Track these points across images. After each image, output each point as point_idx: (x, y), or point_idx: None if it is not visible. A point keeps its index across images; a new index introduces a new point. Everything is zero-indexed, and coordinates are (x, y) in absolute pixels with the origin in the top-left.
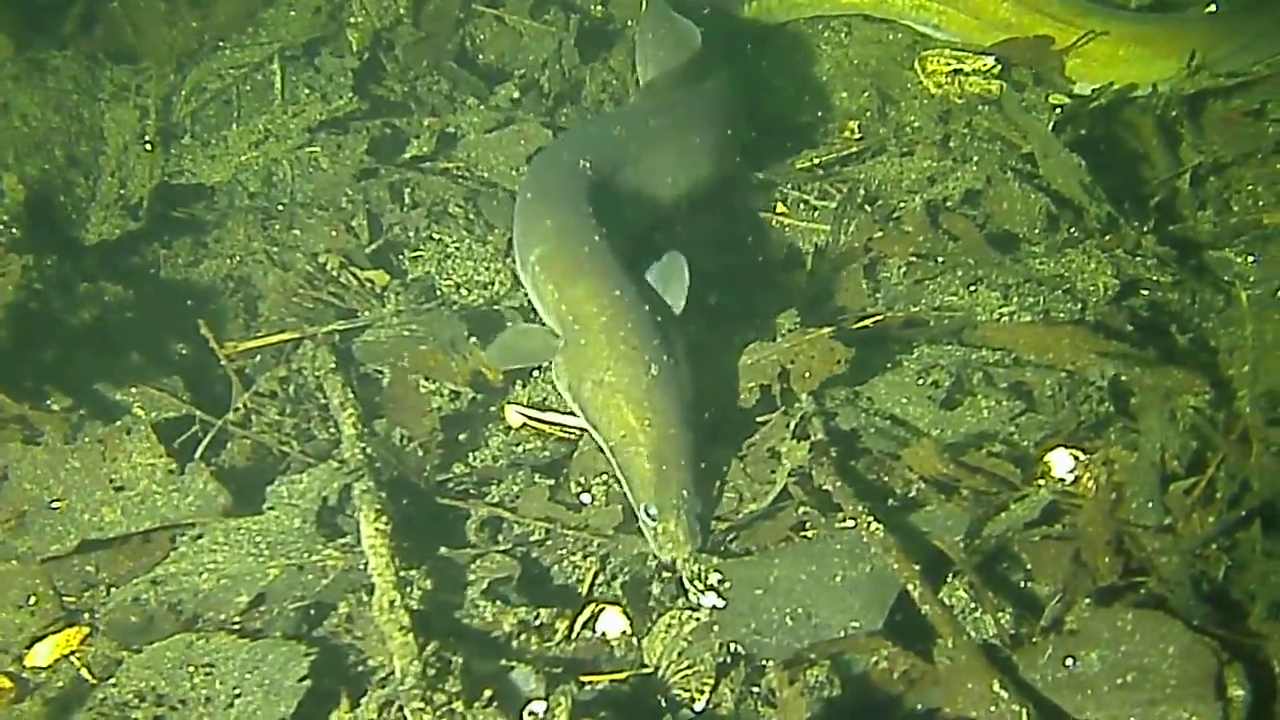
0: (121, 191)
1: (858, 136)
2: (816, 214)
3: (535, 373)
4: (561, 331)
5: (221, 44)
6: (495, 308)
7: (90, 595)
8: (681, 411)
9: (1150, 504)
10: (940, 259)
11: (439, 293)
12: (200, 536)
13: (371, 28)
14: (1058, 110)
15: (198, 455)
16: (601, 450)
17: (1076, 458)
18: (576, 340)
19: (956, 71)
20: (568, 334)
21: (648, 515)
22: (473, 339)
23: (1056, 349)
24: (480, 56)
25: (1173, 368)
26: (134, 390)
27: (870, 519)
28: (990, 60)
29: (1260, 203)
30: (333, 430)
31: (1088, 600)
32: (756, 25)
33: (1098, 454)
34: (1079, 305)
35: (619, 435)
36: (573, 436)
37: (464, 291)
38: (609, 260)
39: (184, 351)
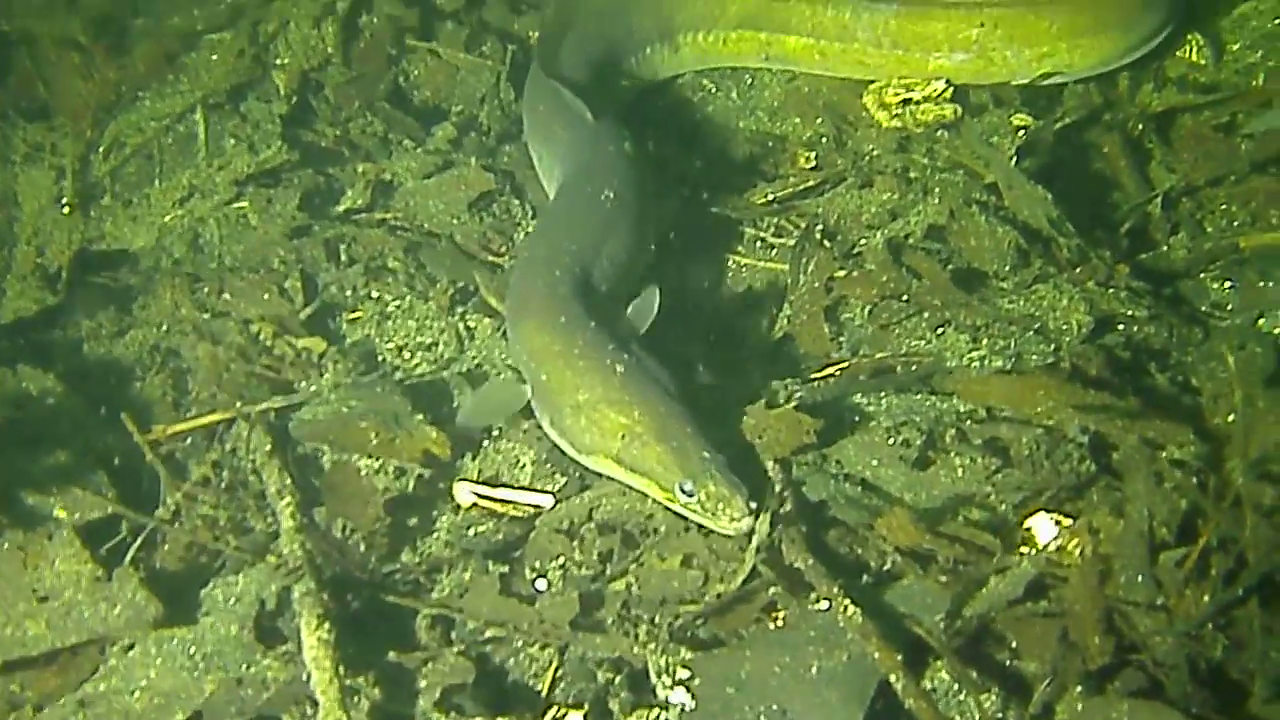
0: (39, 260)
1: (812, 166)
2: (774, 253)
3: (485, 443)
4: (528, 375)
5: (141, 94)
6: (442, 374)
7: (15, 719)
8: (664, 392)
9: (1140, 578)
10: (905, 299)
11: (380, 357)
12: (131, 649)
13: (299, 69)
14: (1021, 133)
15: (127, 560)
16: (613, 479)
17: (1059, 523)
18: (539, 377)
19: (907, 101)
20: (532, 375)
21: (684, 493)
22: (417, 415)
23: (1032, 402)
24: (415, 94)
25: (1154, 417)
26: (56, 490)
27: (846, 601)
28: (940, 84)
29: (1235, 224)
30: (271, 520)
31: (1079, 688)
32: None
33: (1081, 520)
34: (1052, 346)
35: (620, 440)
36: (526, 514)
37: (406, 355)
38: (560, 294)
39: (110, 441)
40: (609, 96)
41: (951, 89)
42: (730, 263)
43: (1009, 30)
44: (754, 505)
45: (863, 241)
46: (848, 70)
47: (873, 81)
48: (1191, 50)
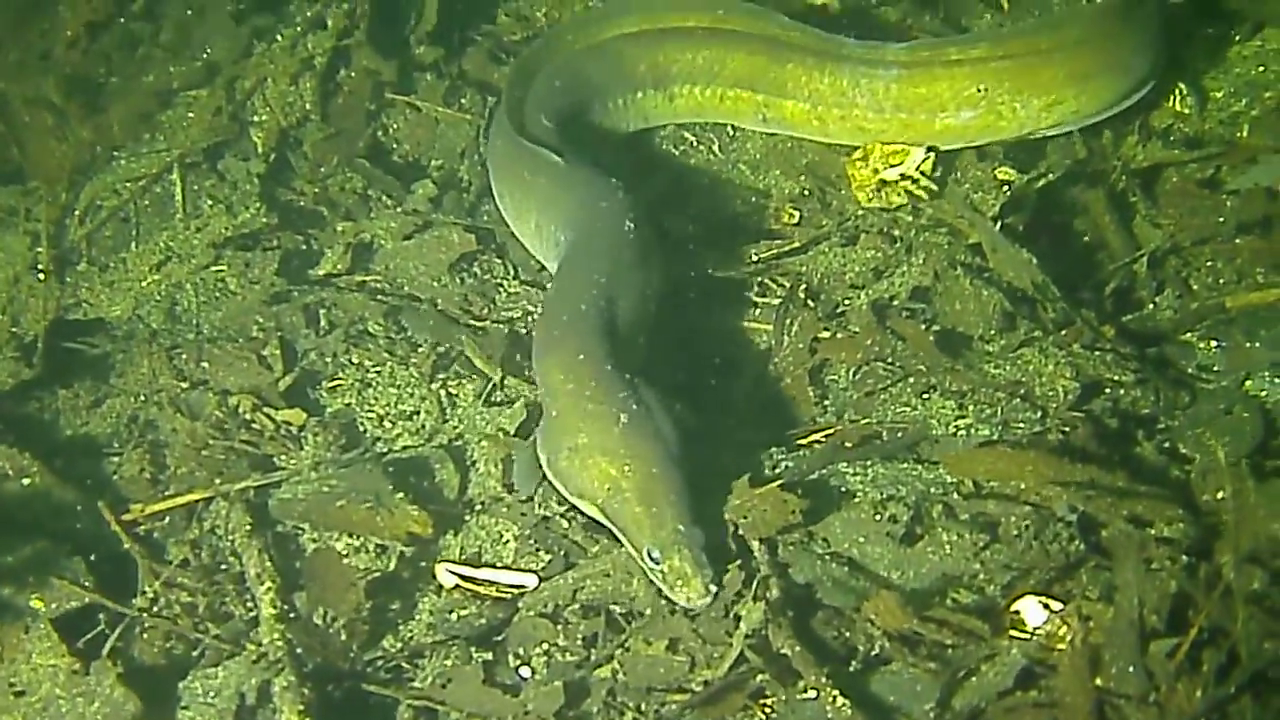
0: (14, 330)
1: (795, 222)
2: (757, 312)
3: (468, 519)
4: (543, 409)
5: (116, 154)
6: (421, 449)
7: None
8: (662, 451)
9: (1131, 669)
10: (890, 363)
11: (360, 428)
12: None
13: (277, 126)
14: (1005, 189)
15: (104, 653)
16: (599, 522)
17: (1048, 607)
18: (550, 413)
19: (883, 183)
20: (545, 409)
21: (651, 560)
22: (398, 493)
23: (1019, 477)
24: (395, 148)
25: (1142, 493)
26: (33, 580)
27: (834, 692)
28: (920, 155)
29: (1222, 282)
30: (250, 605)
31: None
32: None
33: (1071, 605)
34: (1039, 414)
35: (605, 491)
36: (510, 595)
37: (387, 425)
38: (583, 331)
39: (87, 523)
40: (586, 139)
41: (932, 160)
42: (714, 321)
43: (1016, 82)
44: (714, 588)
45: (847, 302)
46: (849, 137)
47: (855, 151)
48: (1176, 99)
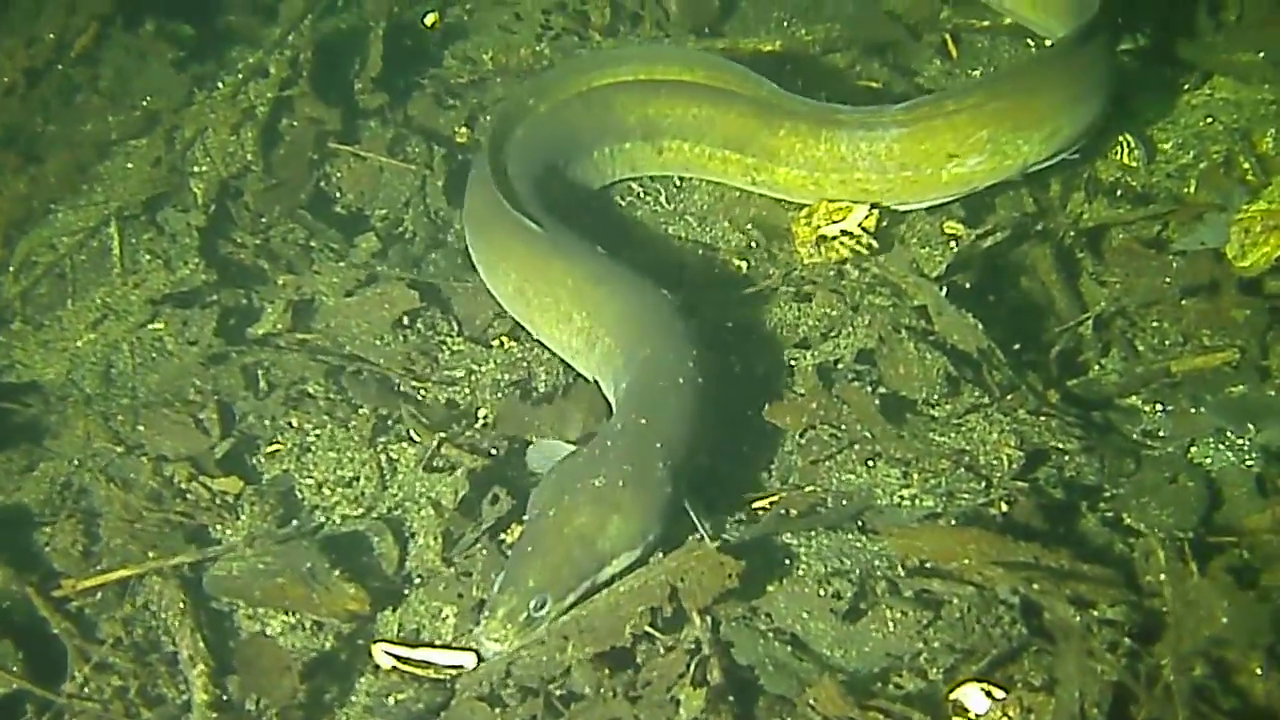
0: None
1: (743, 275)
2: None
3: (407, 592)
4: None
5: (53, 207)
6: (360, 525)
7: None
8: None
9: None
10: (836, 428)
11: (299, 495)
12: None
13: (218, 177)
14: (953, 244)
15: None
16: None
17: (990, 695)
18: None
19: (822, 239)
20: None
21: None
22: (334, 570)
23: (962, 555)
24: (339, 197)
25: (1085, 573)
26: None
27: None
28: (861, 213)
29: (1168, 344)
30: (183, 688)
31: None
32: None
33: (1012, 694)
34: (983, 484)
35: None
36: (446, 677)
37: (325, 492)
38: None
39: (16, 601)
40: (563, 193)
41: (875, 217)
42: None
43: (1017, 119)
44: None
45: (793, 362)
46: (851, 198)
47: (802, 208)
48: (1124, 150)
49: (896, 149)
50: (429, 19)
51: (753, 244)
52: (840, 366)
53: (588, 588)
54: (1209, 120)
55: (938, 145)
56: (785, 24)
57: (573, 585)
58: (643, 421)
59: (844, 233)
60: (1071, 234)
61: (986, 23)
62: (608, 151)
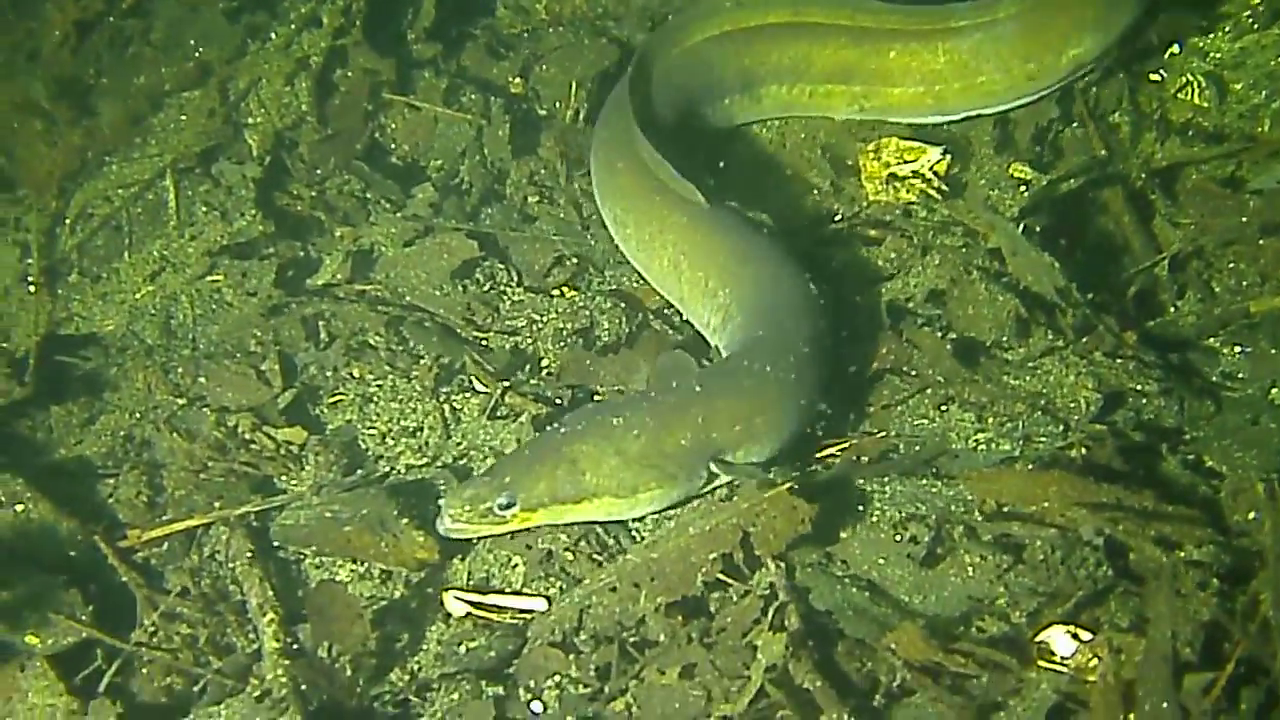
0: (3, 345)
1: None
2: None
3: (476, 543)
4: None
5: (108, 160)
6: (426, 472)
7: None
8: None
9: (1165, 705)
10: (907, 373)
11: (363, 445)
12: None
13: (272, 128)
14: (1023, 189)
15: (102, 690)
16: None
17: (1077, 637)
18: None
19: (893, 177)
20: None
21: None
22: (403, 519)
23: (1043, 498)
24: (394, 149)
25: (1170, 513)
26: (28, 615)
27: None
28: (935, 155)
29: (1245, 283)
30: (252, 636)
31: None
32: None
33: (1100, 636)
34: (1060, 427)
35: None
36: (521, 621)
37: (390, 443)
38: None
39: (83, 552)
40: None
41: (946, 161)
42: None
43: None
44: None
45: (859, 299)
46: (971, 105)
47: (868, 143)
48: (1194, 91)
49: (1020, 43)
50: None
51: (824, 181)
52: (911, 305)
53: (559, 511)
54: (1279, 60)
55: (1057, 29)
56: None
57: (544, 500)
58: (697, 389)
59: (915, 174)
60: (1144, 175)
61: None
62: (714, 109)
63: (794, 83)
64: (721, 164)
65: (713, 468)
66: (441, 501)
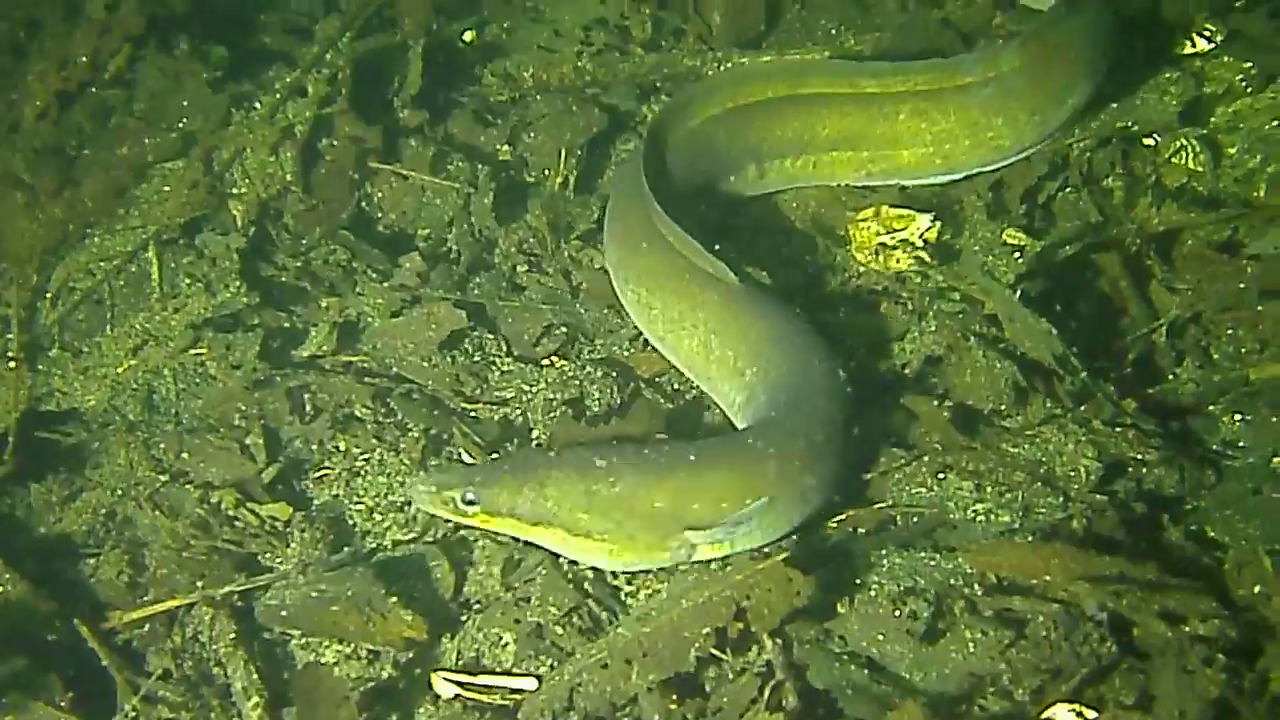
0: None
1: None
2: None
3: (465, 620)
4: None
5: (90, 232)
6: (415, 547)
7: None
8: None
9: None
10: (904, 440)
11: (350, 520)
12: None
13: (257, 198)
14: (1017, 254)
15: None
16: None
17: (1082, 715)
18: None
19: (882, 246)
20: None
21: None
22: (390, 597)
23: (1044, 571)
24: (380, 217)
25: (1174, 585)
26: (7, 702)
27: None
28: (925, 222)
29: (1244, 350)
30: None
31: None
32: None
33: (1106, 715)
34: (1061, 498)
35: None
36: (511, 702)
37: (377, 518)
38: None
39: (64, 633)
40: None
41: (937, 228)
42: None
43: (1096, 35)
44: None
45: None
46: (980, 160)
47: (857, 211)
48: (1188, 155)
49: (1026, 95)
50: (467, 36)
51: (812, 246)
52: (908, 372)
53: (515, 526)
54: (1275, 124)
55: (1058, 78)
56: (833, 33)
57: (503, 511)
58: (691, 457)
59: (904, 243)
60: (1139, 240)
61: None
62: (725, 184)
63: (799, 155)
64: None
65: (690, 538)
66: (419, 475)
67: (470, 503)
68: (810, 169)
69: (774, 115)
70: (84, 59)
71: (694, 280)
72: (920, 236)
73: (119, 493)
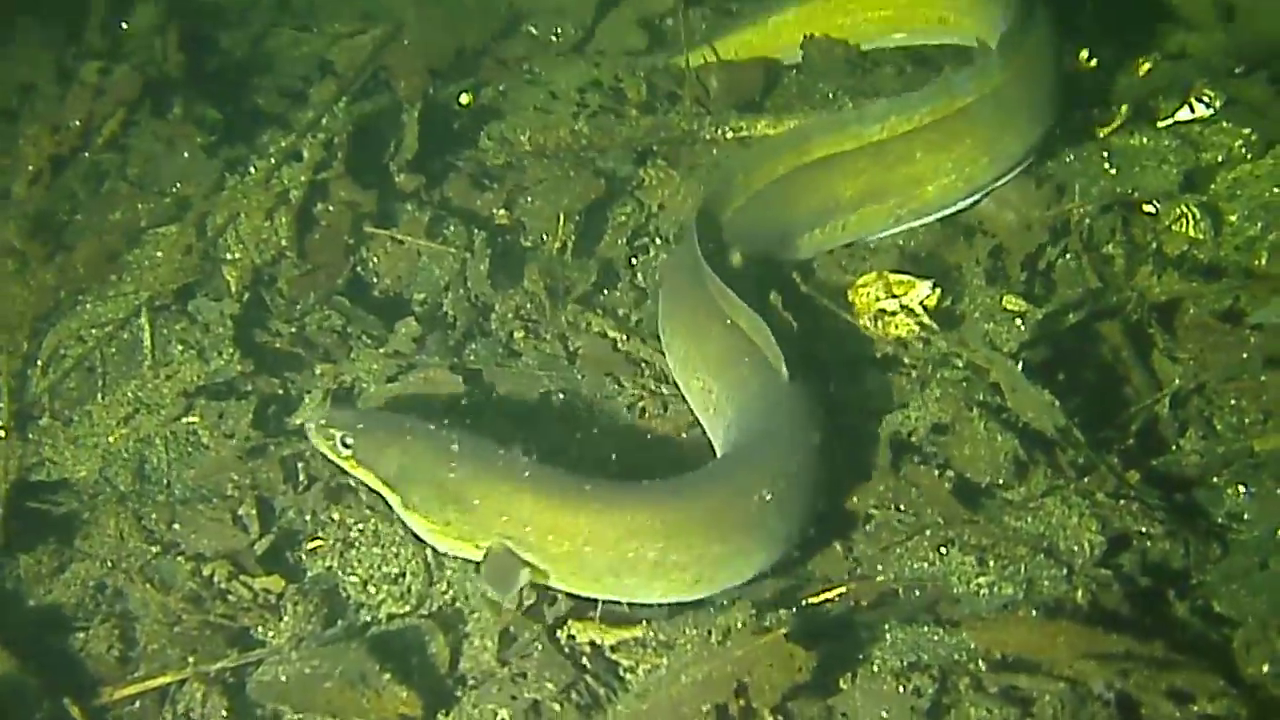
0: None
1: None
2: None
3: (460, 696)
4: None
5: (81, 298)
6: (409, 620)
7: None
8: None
9: None
10: (906, 513)
11: (344, 593)
12: None
13: (251, 264)
14: (1019, 322)
15: None
16: None
17: None
18: None
19: (881, 312)
20: None
21: None
22: (385, 673)
23: (1050, 649)
24: (375, 282)
25: (1181, 661)
26: None
27: None
28: (924, 288)
29: (1248, 421)
30: None
31: None
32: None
33: None
34: (1064, 570)
35: None
36: None
37: (371, 590)
38: None
39: (53, 710)
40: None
41: (937, 295)
42: None
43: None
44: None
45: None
46: (996, 174)
47: (856, 276)
48: (1189, 223)
49: (1025, 99)
50: (463, 99)
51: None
52: (914, 440)
53: (376, 484)
54: (1276, 190)
55: (1047, 74)
56: (830, 97)
57: (368, 464)
58: (525, 475)
59: (904, 308)
60: (1140, 309)
61: None
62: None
63: (827, 222)
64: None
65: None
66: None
67: (347, 446)
68: (841, 232)
69: (793, 190)
70: (77, 123)
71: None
72: (920, 303)
73: (109, 564)
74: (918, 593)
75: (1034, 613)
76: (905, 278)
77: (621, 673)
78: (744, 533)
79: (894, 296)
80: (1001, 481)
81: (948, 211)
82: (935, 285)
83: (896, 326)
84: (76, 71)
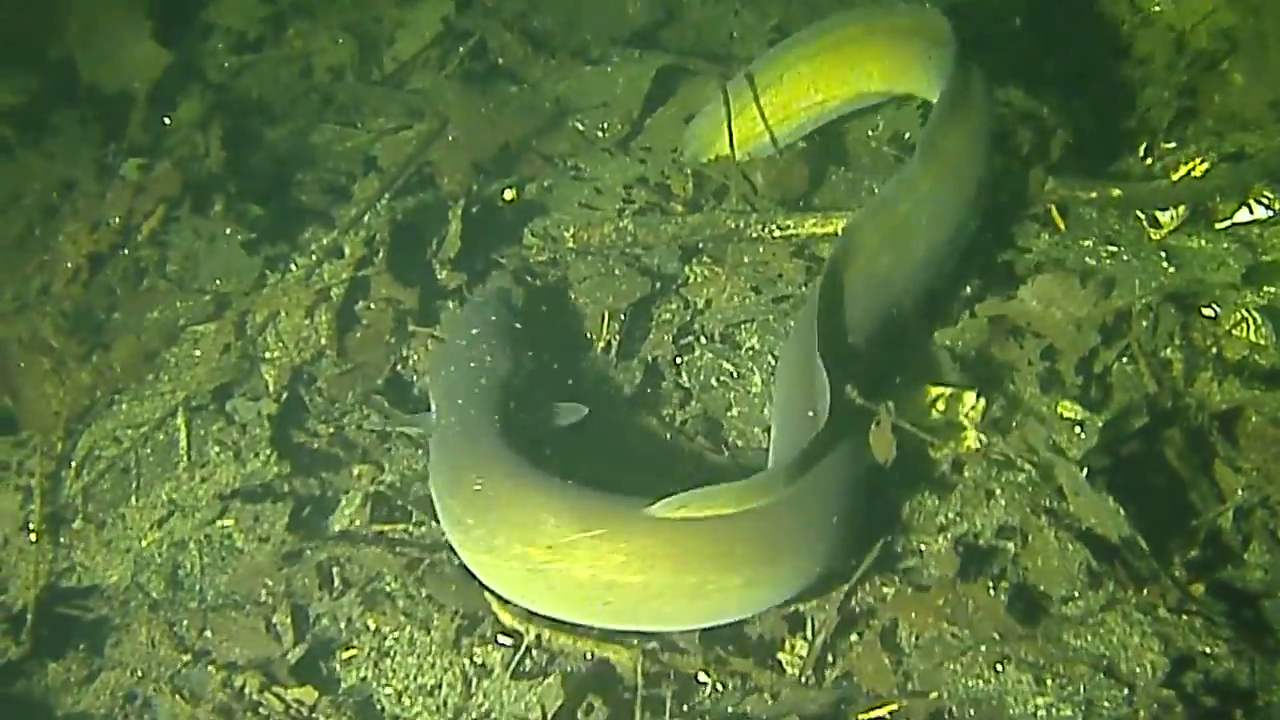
0: (1, 599)
1: None
2: None
3: None
4: None
5: (117, 398)
6: None
7: None
8: None
9: None
10: (961, 628)
11: (378, 704)
12: None
13: (290, 363)
14: (1079, 429)
15: None
16: None
17: None
18: None
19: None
20: None
21: None
22: None
23: None
24: (416, 381)
25: None
26: None
27: None
28: (971, 399)
29: None
30: None
31: None
32: None
33: None
34: (1125, 690)
35: None
36: None
37: (406, 702)
38: None
39: None
40: None
41: (983, 405)
42: None
43: None
44: None
45: (923, 546)
46: None
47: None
48: (1249, 328)
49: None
50: (507, 195)
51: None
52: (981, 544)
53: None
54: None
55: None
56: (875, 192)
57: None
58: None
59: (952, 424)
60: (1201, 416)
61: (1094, 194)
62: None
63: None
64: None
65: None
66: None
67: None
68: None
69: None
70: (117, 220)
71: None
72: (966, 414)
73: (139, 674)
74: (973, 712)
75: None
76: (950, 389)
77: None
78: None
79: (942, 411)
80: (1066, 594)
81: None
82: (979, 395)
83: (949, 439)
84: (117, 168)
